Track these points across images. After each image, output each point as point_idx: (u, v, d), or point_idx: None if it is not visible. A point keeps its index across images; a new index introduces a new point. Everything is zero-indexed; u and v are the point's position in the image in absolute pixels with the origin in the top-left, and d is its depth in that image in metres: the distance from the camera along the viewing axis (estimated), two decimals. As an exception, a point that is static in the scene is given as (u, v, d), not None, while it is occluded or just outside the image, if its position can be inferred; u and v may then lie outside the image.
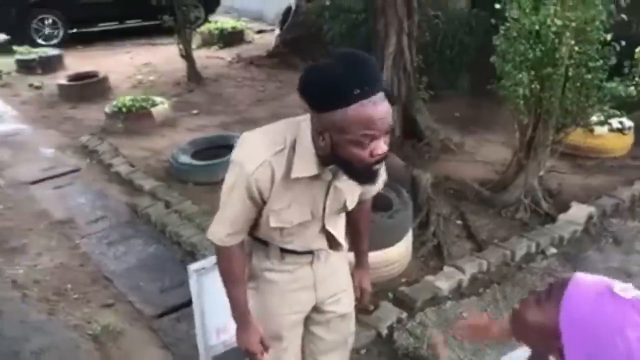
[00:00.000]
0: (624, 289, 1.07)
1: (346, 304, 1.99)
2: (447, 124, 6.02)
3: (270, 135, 1.58)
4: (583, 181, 4.78)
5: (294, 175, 1.54)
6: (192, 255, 3.78)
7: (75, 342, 3.05)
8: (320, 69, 1.42)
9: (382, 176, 1.84)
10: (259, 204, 1.61)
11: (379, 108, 1.38)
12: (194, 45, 10.14)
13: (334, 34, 7.06)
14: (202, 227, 3.97)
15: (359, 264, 2.11)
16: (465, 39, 6.67)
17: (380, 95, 1.39)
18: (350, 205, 1.74)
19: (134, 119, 6.20)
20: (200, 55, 9.34)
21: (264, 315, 1.84)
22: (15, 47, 9.13)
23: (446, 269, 3.58)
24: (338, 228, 1.81)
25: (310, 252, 1.79)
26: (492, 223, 4.21)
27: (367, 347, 3.00)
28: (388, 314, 3.18)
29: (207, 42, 10.50)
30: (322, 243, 1.79)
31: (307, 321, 1.97)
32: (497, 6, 3.77)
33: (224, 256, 1.74)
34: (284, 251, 1.76)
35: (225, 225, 1.66)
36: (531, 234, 3.92)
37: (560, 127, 4.11)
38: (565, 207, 4.24)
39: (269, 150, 1.54)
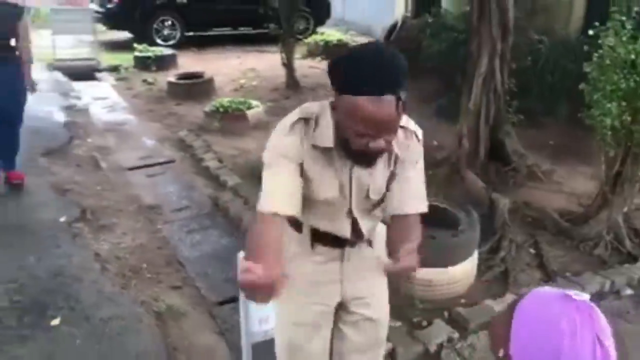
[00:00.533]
0: (578, 294, 1.11)
1: (376, 309, 2.01)
2: (540, 150, 5.83)
3: (299, 111, 1.71)
4: (677, 224, 4.46)
5: (315, 142, 1.66)
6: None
7: (140, 317, 3.28)
8: (349, 57, 1.52)
9: (424, 202, 1.80)
10: (300, 165, 1.68)
11: (381, 109, 1.46)
12: (299, 55, 10.50)
13: (432, 51, 7.04)
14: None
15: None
16: (569, 66, 6.41)
17: (389, 97, 1.46)
18: (373, 196, 1.76)
19: (230, 119, 6.53)
20: (303, 65, 9.64)
21: (293, 302, 1.92)
22: (135, 45, 9.86)
23: (508, 295, 3.48)
24: (367, 223, 1.83)
25: (340, 247, 1.85)
26: (567, 256, 4.04)
27: (413, 361, 3.00)
28: (440, 331, 3.15)
29: (312, 53, 10.80)
30: (347, 229, 1.81)
31: (337, 320, 2.02)
32: (590, 32, 3.64)
33: (258, 225, 1.62)
34: (315, 240, 1.84)
35: (270, 194, 1.66)
36: (607, 272, 3.72)
37: (653, 164, 3.88)
38: (651, 249, 4.00)
39: (298, 117, 1.69)
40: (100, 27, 11.10)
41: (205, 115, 6.67)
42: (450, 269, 3.48)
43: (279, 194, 1.65)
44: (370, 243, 1.91)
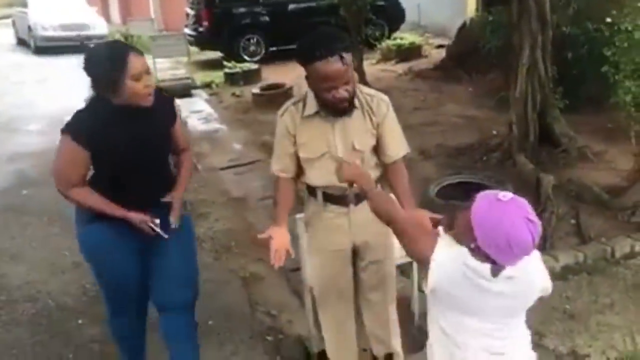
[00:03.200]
0: (505, 194, 1.67)
1: (379, 252, 2.61)
2: (596, 133, 6.13)
3: (291, 100, 2.48)
4: None
5: (305, 114, 2.37)
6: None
7: (229, 280, 4.10)
8: (302, 39, 2.29)
9: (405, 148, 2.51)
10: (292, 139, 2.41)
11: (332, 66, 2.17)
12: (374, 60, 11.13)
13: (491, 47, 7.47)
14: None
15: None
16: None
17: (336, 57, 2.16)
18: (359, 147, 2.39)
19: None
20: (377, 69, 10.28)
21: (316, 249, 2.62)
22: (225, 63, 10.93)
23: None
24: None
25: (346, 206, 2.47)
26: (605, 224, 4.42)
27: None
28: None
29: (385, 57, 11.38)
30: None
31: (355, 267, 2.66)
32: (609, 20, 4.06)
33: (274, 185, 2.57)
34: (326, 200, 2.48)
35: (275, 160, 2.51)
36: (638, 235, 4.09)
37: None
38: (687, 215, 4.30)
39: (290, 103, 2.45)
40: (194, 48, 12.30)
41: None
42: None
43: (280, 160, 2.48)
44: None
